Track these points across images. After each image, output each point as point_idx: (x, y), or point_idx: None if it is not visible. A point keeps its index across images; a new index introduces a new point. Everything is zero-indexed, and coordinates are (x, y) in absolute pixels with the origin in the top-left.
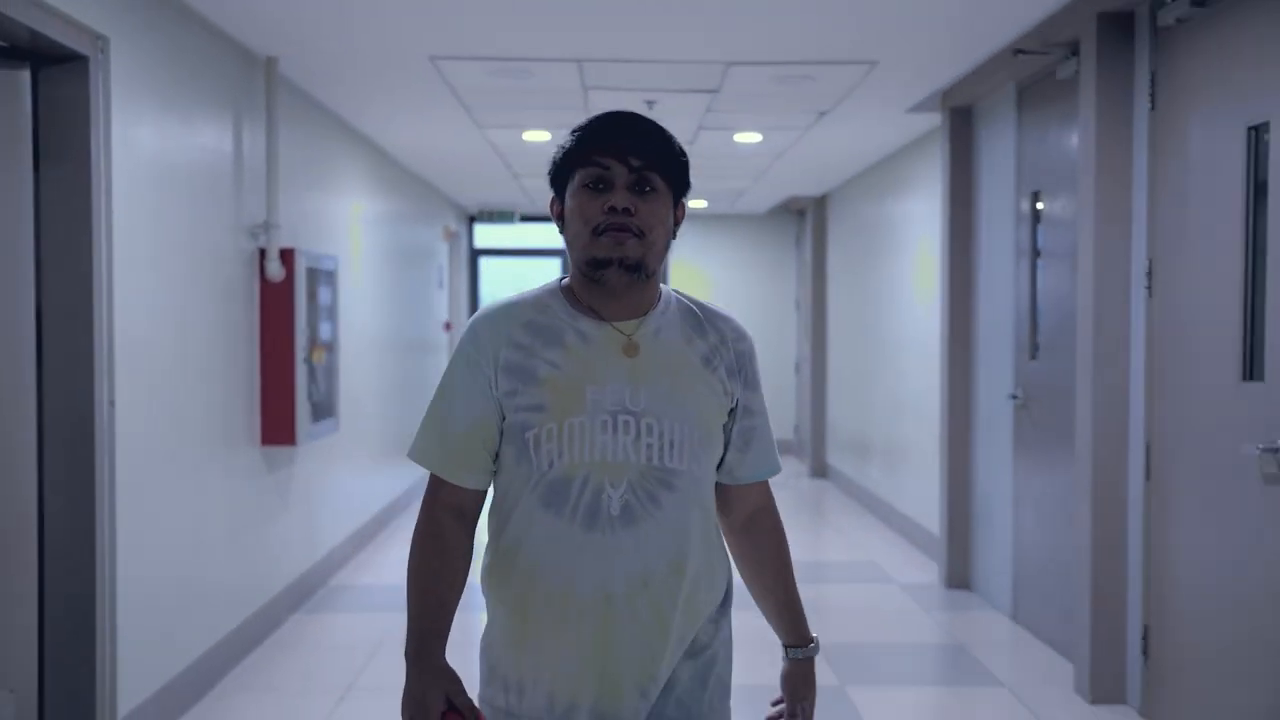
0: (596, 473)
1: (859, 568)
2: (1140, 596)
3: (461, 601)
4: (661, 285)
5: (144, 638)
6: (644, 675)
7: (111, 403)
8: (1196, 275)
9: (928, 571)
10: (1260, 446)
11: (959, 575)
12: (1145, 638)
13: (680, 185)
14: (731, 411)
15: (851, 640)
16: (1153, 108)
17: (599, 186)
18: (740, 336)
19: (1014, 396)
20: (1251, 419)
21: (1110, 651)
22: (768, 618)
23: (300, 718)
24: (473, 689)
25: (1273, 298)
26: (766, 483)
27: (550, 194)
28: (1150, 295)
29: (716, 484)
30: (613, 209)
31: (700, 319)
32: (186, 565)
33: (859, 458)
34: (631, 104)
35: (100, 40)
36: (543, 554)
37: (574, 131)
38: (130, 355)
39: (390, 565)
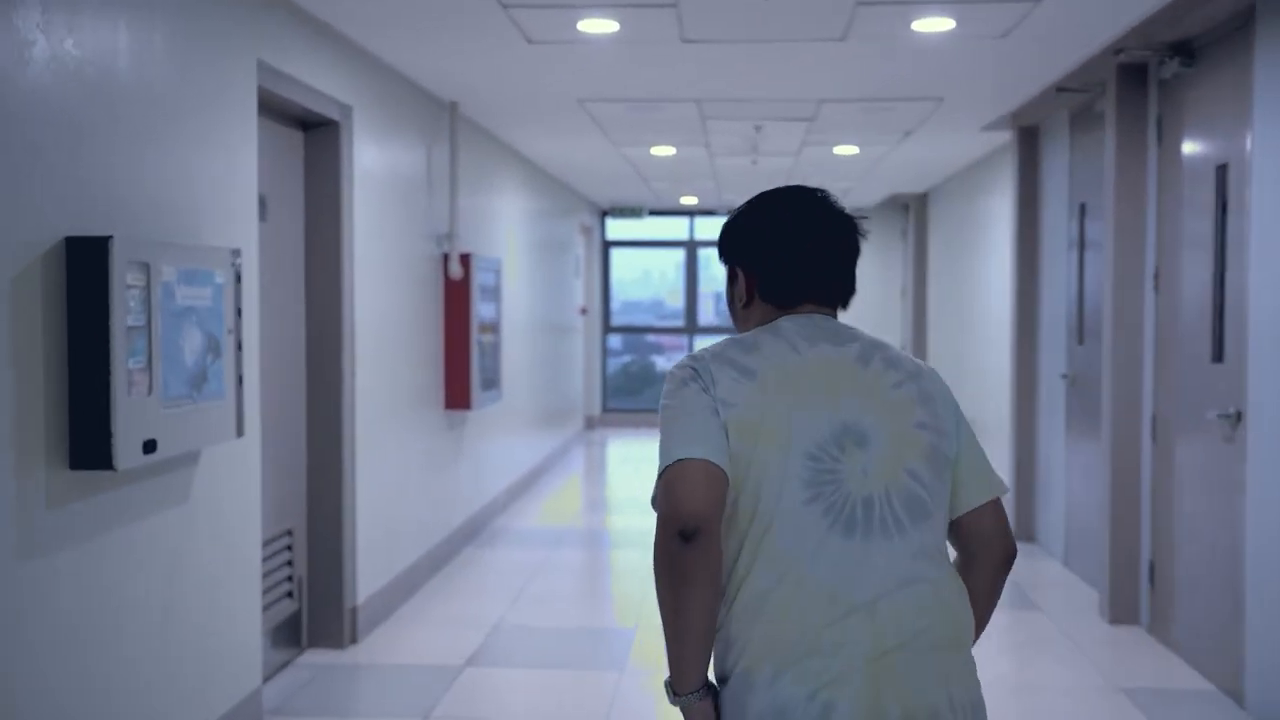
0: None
1: None
2: (1149, 538)
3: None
4: None
5: (372, 548)
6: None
7: (352, 372)
8: (1185, 279)
9: None
10: (1217, 413)
11: (1025, 529)
12: (1152, 570)
13: None
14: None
15: None
16: (1160, 143)
17: None
18: None
19: (1065, 376)
20: (1216, 392)
21: (1125, 582)
22: None
23: (484, 616)
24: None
25: (1231, 298)
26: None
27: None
28: (1157, 293)
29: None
30: None
31: None
32: (395, 500)
33: None
34: (741, 130)
35: (346, 108)
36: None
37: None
38: (362, 336)
39: (537, 514)
